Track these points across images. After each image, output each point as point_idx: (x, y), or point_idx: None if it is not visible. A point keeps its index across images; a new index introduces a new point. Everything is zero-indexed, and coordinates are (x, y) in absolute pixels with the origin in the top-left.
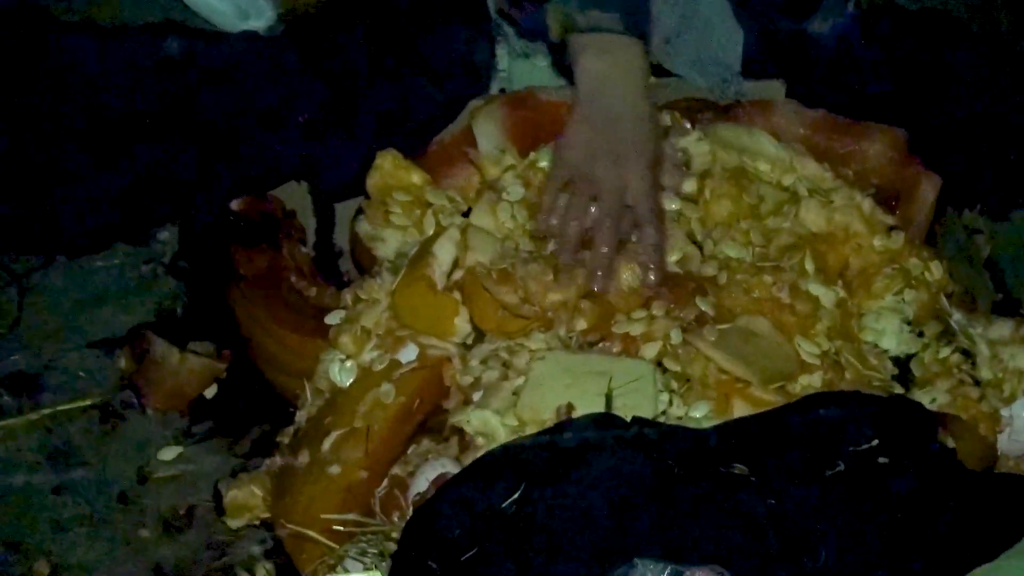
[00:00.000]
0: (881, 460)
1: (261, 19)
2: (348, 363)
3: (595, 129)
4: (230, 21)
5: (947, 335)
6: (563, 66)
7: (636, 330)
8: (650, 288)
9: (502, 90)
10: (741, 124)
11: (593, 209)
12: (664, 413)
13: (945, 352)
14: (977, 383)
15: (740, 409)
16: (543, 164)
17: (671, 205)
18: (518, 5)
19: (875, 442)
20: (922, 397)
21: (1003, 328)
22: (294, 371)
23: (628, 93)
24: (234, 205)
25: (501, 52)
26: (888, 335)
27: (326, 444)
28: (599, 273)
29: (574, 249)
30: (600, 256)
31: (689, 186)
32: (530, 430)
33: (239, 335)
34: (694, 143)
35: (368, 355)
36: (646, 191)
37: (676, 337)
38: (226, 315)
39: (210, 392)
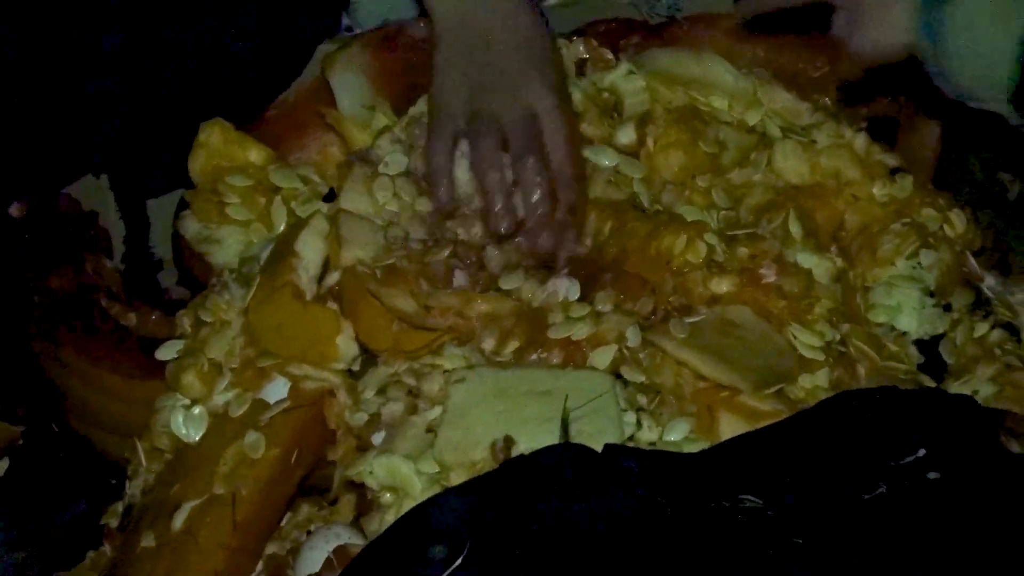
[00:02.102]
0: (932, 475)
1: None
2: (195, 410)
3: (470, 58)
4: None
5: (981, 306)
6: None
7: (580, 332)
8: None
9: (348, 29)
10: (683, 48)
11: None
12: (632, 439)
13: (982, 329)
14: None
15: (729, 425)
16: None
17: (603, 161)
18: None
19: (921, 452)
20: (960, 389)
21: None
22: (120, 426)
23: (499, 3)
24: (13, 211)
25: None
26: (906, 312)
27: (177, 520)
28: (548, 232)
29: (507, 205)
30: (540, 209)
31: (626, 136)
32: (458, 477)
33: (41, 384)
34: (623, 79)
35: (221, 397)
36: (559, 119)
37: (634, 337)
38: (18, 358)
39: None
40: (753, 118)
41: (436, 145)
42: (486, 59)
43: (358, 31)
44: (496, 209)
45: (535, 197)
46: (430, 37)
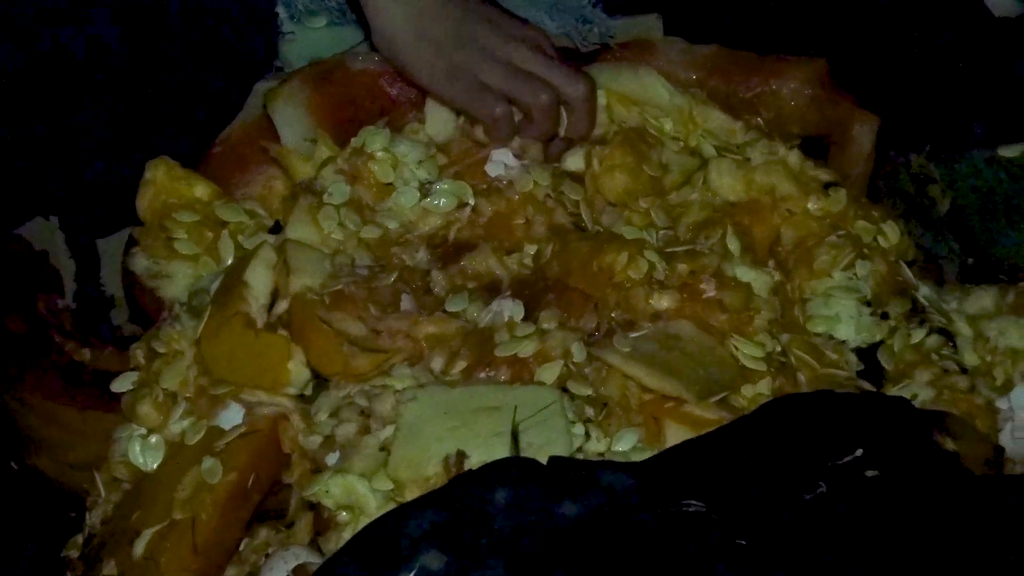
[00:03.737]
0: (869, 473)
1: None
2: (152, 439)
3: (441, 32)
4: None
5: (916, 314)
6: None
7: (526, 350)
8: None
9: (278, 69)
10: (621, 63)
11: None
12: (581, 450)
13: (919, 335)
14: (964, 370)
15: (675, 434)
16: (374, 148)
17: (543, 182)
18: None
19: (859, 452)
20: (899, 394)
21: (983, 298)
22: (79, 459)
23: None
24: None
25: (281, 14)
26: (844, 322)
27: (138, 547)
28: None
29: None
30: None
31: (574, 163)
32: (411, 493)
33: None
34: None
35: (177, 425)
36: (536, 39)
37: (579, 353)
38: None
39: None
40: (692, 139)
41: (489, 107)
42: (458, 34)
43: (287, 69)
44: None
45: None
46: (391, 52)
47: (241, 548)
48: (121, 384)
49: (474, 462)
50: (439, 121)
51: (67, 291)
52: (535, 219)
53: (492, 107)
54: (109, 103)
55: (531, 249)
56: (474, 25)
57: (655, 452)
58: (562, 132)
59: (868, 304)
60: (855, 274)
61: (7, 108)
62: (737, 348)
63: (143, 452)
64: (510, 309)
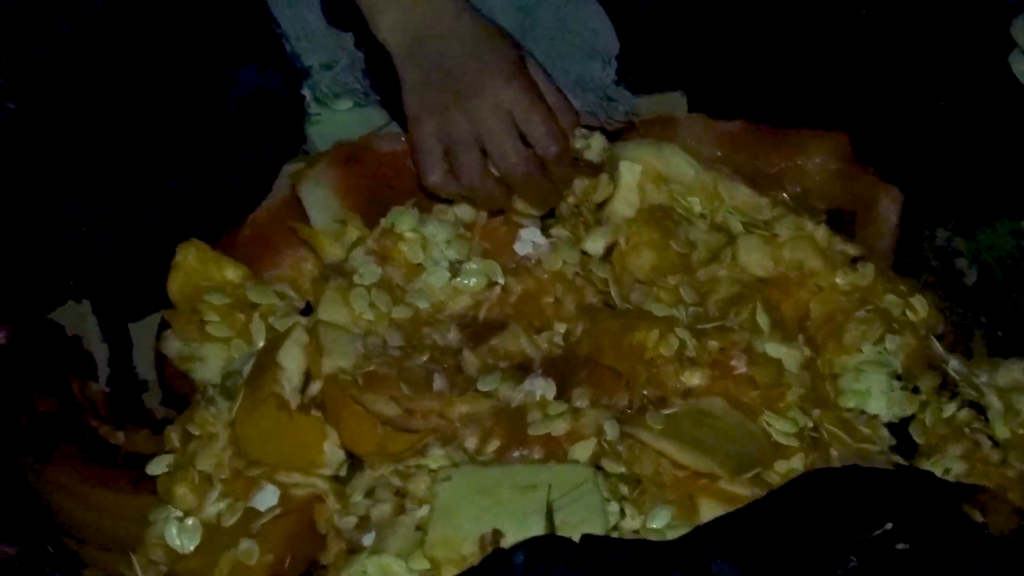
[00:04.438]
0: (900, 547)
1: None
2: (188, 521)
3: (433, 72)
4: None
5: (947, 387)
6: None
7: (559, 428)
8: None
9: (303, 151)
10: (645, 140)
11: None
12: (616, 527)
13: (950, 409)
14: (996, 443)
15: (710, 511)
16: (403, 228)
17: (569, 260)
18: None
19: (889, 526)
20: (932, 468)
21: (1013, 371)
22: (113, 542)
23: (446, 15)
24: None
25: (307, 96)
26: (875, 396)
27: None
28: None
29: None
30: (519, 166)
31: (594, 246)
32: (448, 572)
33: (32, 504)
34: (627, 167)
35: (213, 507)
36: (526, 102)
37: (612, 431)
38: (8, 480)
39: None
40: (718, 215)
41: (425, 158)
42: (445, 75)
43: (312, 151)
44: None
45: (515, 170)
46: (397, 67)
47: None
48: (156, 467)
49: (509, 541)
50: None
51: (100, 375)
52: (564, 298)
53: (427, 171)
54: (138, 186)
55: (561, 327)
56: (464, 72)
57: (689, 528)
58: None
59: (899, 378)
60: (885, 348)
61: (39, 191)
62: (769, 424)
63: (180, 534)
64: (542, 388)
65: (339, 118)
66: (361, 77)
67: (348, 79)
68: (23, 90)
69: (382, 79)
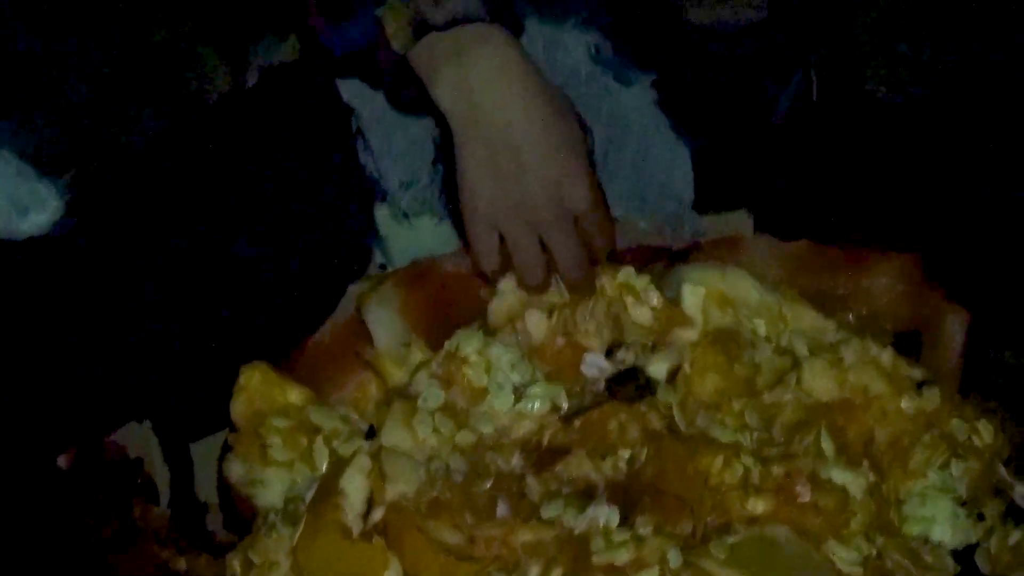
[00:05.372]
0: None
1: (44, 212)
2: None
3: (496, 150)
4: (5, 220)
5: (1013, 513)
6: (401, 99)
7: (622, 557)
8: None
9: (382, 266)
10: (708, 263)
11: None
12: None
13: (1016, 536)
14: None
15: None
16: (468, 352)
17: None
18: (334, 16)
19: None
20: None
21: None
22: None
23: (514, 85)
24: (60, 461)
25: (380, 214)
26: (940, 523)
27: None
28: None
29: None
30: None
31: (658, 370)
32: None
33: None
34: (691, 291)
35: None
36: (598, 216)
37: (675, 559)
38: None
39: None
40: (783, 338)
41: (478, 233)
42: (510, 157)
43: (390, 269)
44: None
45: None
46: (456, 144)
47: None
48: None
49: None
50: (533, 322)
51: (162, 497)
52: (629, 423)
53: (483, 260)
54: (203, 306)
55: (625, 453)
56: (526, 157)
57: None
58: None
59: (963, 504)
60: (950, 474)
61: (103, 308)
62: (834, 553)
63: None
64: (605, 515)
65: (420, 236)
66: (439, 195)
67: (427, 196)
68: (88, 205)
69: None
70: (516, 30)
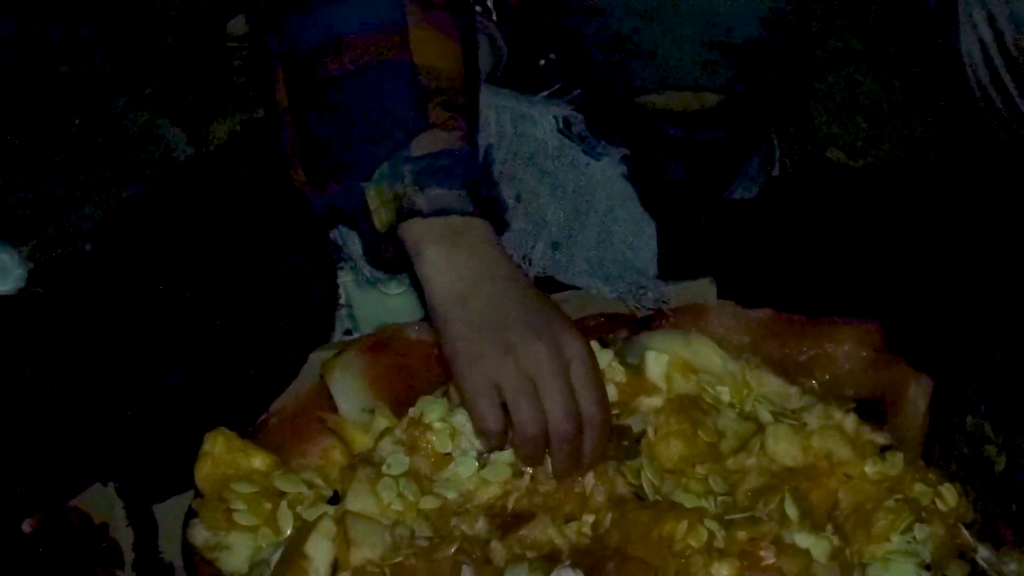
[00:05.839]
0: None
1: (7, 280)
2: None
3: (485, 319)
4: None
5: None
6: (379, 258)
7: None
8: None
9: (347, 332)
10: (672, 331)
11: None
12: None
13: None
14: None
15: None
16: (432, 419)
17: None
18: (318, 184)
19: None
20: None
21: None
22: None
23: (499, 268)
24: (25, 527)
25: (342, 279)
26: None
27: None
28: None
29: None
30: (568, 430)
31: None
32: None
33: None
34: (654, 360)
35: None
36: (588, 362)
37: None
38: None
39: None
40: (747, 404)
41: (479, 404)
42: (498, 322)
43: (356, 335)
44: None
45: (564, 430)
46: (434, 324)
47: None
48: None
49: None
50: None
51: (126, 560)
52: (595, 488)
53: (487, 418)
54: (166, 372)
55: (589, 518)
56: (518, 320)
57: None
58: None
59: (928, 568)
60: (914, 538)
61: (67, 374)
62: None
63: None
64: None
65: (386, 302)
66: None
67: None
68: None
69: None
70: (498, 220)
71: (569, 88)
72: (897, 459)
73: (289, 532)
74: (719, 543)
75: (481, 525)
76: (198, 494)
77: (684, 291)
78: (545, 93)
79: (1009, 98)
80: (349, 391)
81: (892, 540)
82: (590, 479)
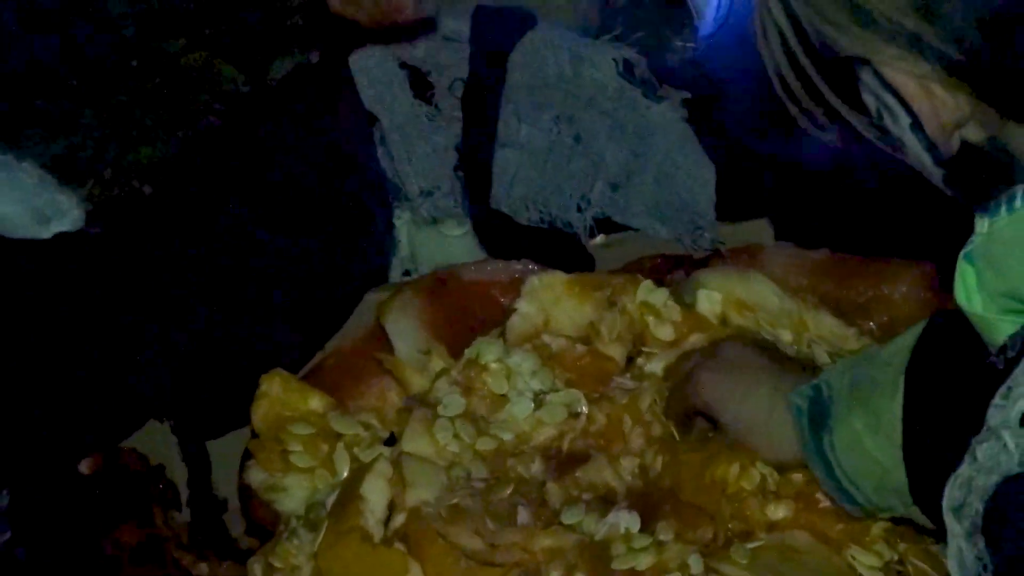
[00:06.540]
0: None
1: (65, 221)
2: None
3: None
4: (27, 230)
5: None
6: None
7: (643, 563)
8: None
9: (406, 273)
10: (729, 269)
11: None
12: None
13: None
14: None
15: None
16: (488, 359)
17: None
18: None
19: None
20: None
21: None
22: None
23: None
24: (82, 467)
25: (401, 220)
26: None
27: None
28: None
29: None
30: None
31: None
32: None
33: None
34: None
35: None
36: None
37: (696, 565)
38: None
39: None
40: (803, 344)
41: None
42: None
43: (414, 276)
44: None
45: None
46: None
47: None
48: None
49: None
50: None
51: (183, 500)
52: (633, 431)
53: None
54: (222, 312)
55: (635, 461)
56: None
57: None
58: None
59: None
60: None
61: (127, 317)
62: (854, 558)
63: None
64: (626, 520)
65: (444, 243)
66: (461, 202)
67: (448, 204)
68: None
69: (480, 205)
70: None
71: (632, 30)
72: None
73: (345, 474)
74: (771, 486)
75: (537, 466)
76: (254, 434)
77: (740, 231)
78: (607, 37)
79: (808, 81)
80: (405, 332)
81: None
82: (627, 421)
